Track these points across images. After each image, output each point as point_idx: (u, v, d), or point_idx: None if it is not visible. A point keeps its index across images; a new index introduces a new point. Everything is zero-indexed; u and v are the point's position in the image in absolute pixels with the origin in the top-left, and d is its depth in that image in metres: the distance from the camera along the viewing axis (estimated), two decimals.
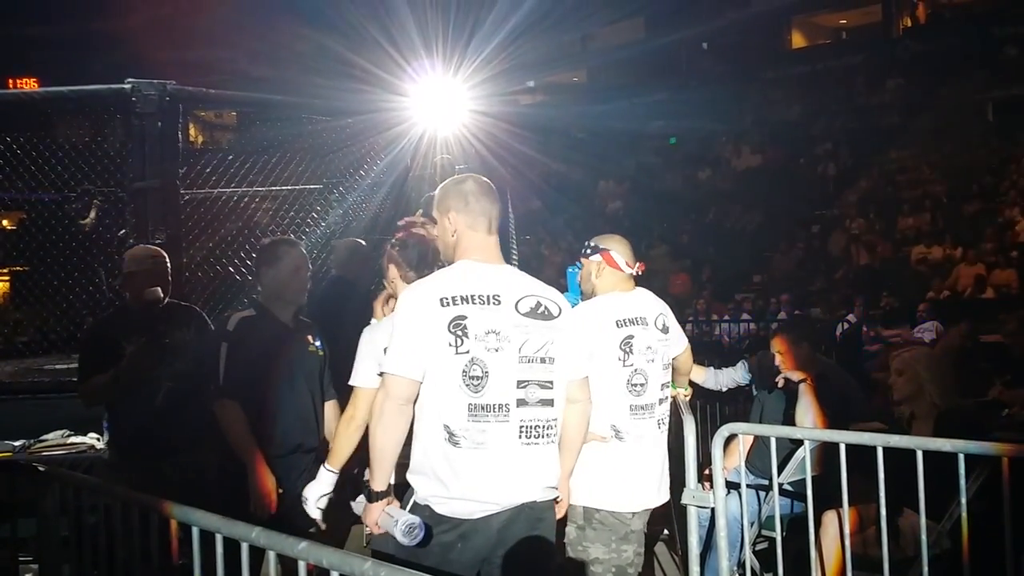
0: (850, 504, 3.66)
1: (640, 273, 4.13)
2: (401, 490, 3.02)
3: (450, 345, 2.87)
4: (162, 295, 4.46)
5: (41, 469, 3.36)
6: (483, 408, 2.87)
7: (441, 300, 2.90)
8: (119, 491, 3.01)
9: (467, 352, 2.87)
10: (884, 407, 6.31)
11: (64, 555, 3.28)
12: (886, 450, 3.48)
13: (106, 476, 4.60)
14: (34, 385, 5.83)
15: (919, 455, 3.39)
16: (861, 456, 3.58)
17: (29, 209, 6.45)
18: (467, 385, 2.86)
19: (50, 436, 4.99)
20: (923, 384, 4.50)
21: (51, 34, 22.25)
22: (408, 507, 2.94)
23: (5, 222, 9.32)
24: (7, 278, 9.34)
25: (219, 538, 2.46)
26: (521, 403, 2.93)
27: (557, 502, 3.16)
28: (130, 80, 5.45)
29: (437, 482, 2.88)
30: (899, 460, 3.49)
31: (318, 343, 4.16)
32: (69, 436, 4.99)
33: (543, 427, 2.99)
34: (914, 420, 4.47)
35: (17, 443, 4.91)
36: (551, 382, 3.01)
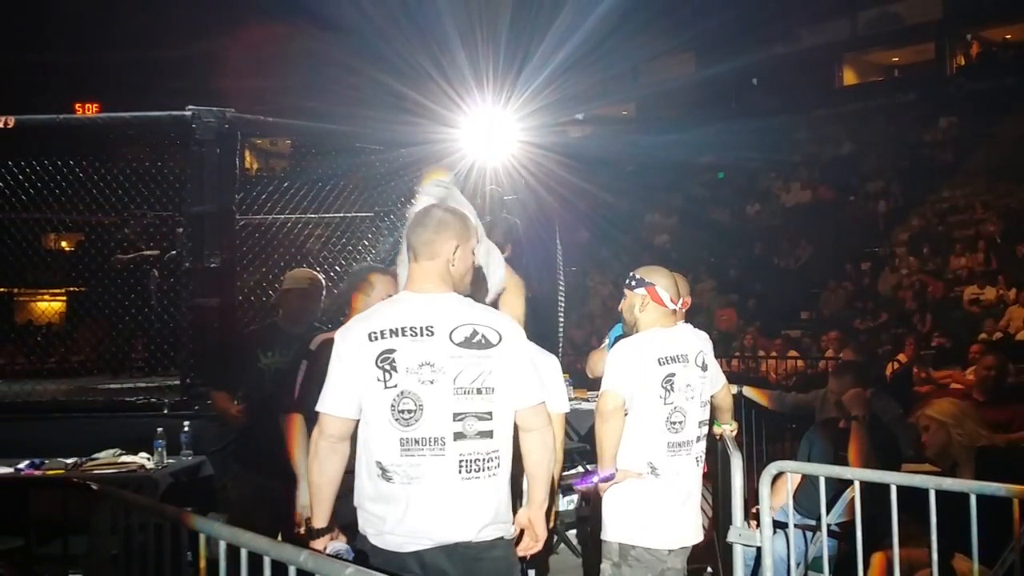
0: (899, 547, 3.60)
1: (684, 310, 4.13)
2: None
3: (378, 380, 2.83)
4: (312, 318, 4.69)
5: (94, 487, 3.42)
6: (416, 442, 2.82)
7: (369, 335, 2.87)
8: (169, 511, 3.05)
9: (395, 386, 2.83)
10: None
11: (113, 573, 3.33)
12: (938, 493, 3.43)
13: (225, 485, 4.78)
14: (87, 404, 5.94)
15: (972, 499, 3.33)
16: (910, 498, 3.52)
17: (89, 231, 6.59)
18: (397, 420, 2.82)
19: (101, 455, 5.06)
20: (949, 431, 4.45)
21: (115, 60, 22.80)
22: (357, 537, 2.95)
23: (64, 243, 9.55)
24: (63, 298, 9.55)
25: (267, 561, 2.49)
26: (459, 436, 2.85)
27: (509, 539, 3.04)
28: (191, 107, 5.57)
29: (371, 515, 2.87)
30: (950, 503, 3.43)
31: None
32: (120, 455, 5.06)
33: (483, 460, 2.90)
34: (957, 468, 4.39)
35: (69, 461, 4.99)
36: (490, 413, 2.91)
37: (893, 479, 3.58)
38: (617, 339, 4.69)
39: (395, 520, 2.83)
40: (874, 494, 3.71)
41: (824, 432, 4.99)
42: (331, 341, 4.05)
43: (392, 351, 2.85)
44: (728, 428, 4.65)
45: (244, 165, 6.52)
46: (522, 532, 3.12)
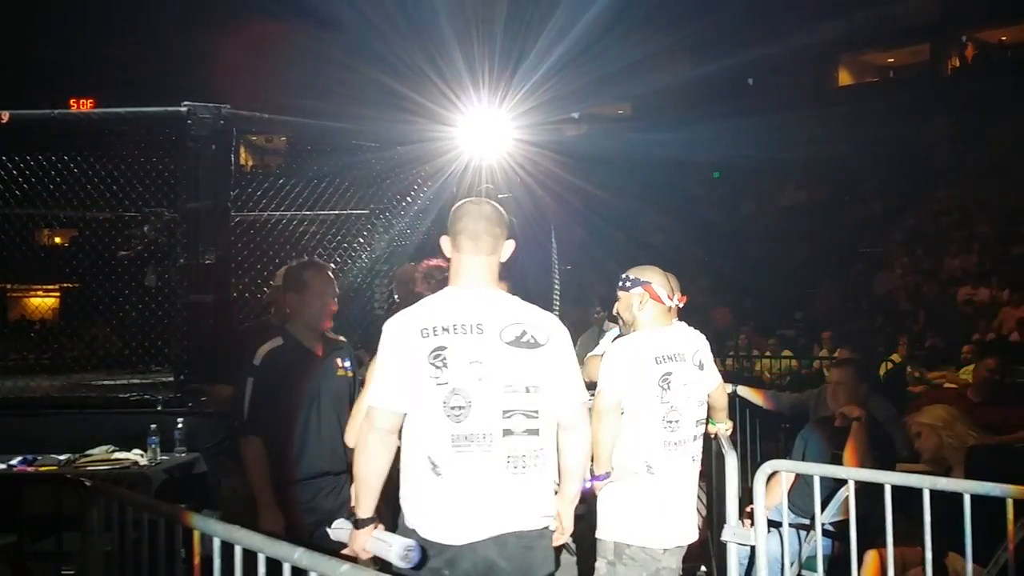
0: (893, 546, 3.60)
1: (681, 305, 4.13)
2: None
3: (431, 376, 2.86)
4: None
5: (87, 484, 3.41)
6: (466, 438, 2.85)
7: (422, 331, 2.89)
8: (164, 507, 3.04)
9: (447, 383, 2.86)
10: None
11: (107, 570, 3.32)
12: (931, 492, 3.43)
13: (219, 482, 4.79)
14: (81, 400, 5.93)
15: (966, 498, 3.34)
16: (904, 498, 3.53)
17: (83, 227, 6.57)
18: (448, 416, 2.85)
19: (95, 451, 5.05)
20: (940, 435, 4.48)
21: (110, 55, 22.75)
22: (399, 530, 2.95)
23: (58, 239, 9.52)
24: (57, 294, 9.52)
25: (262, 558, 2.48)
26: (507, 433, 2.89)
27: (553, 531, 3.10)
28: (186, 103, 5.55)
29: (423, 509, 2.88)
30: (944, 503, 3.43)
31: (347, 364, 4.19)
32: (114, 452, 5.05)
33: (531, 457, 2.94)
34: (950, 471, 4.41)
35: (62, 457, 4.97)
36: (536, 411, 2.96)
37: (888, 478, 3.59)
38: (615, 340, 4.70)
39: (446, 515, 2.85)
40: (868, 493, 3.72)
41: (819, 431, 5.00)
42: (275, 351, 4.03)
43: (444, 348, 2.88)
44: (723, 427, 4.65)
45: (239, 162, 6.52)
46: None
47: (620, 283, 4.05)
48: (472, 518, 2.86)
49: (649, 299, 3.95)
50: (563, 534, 3.21)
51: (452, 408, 2.85)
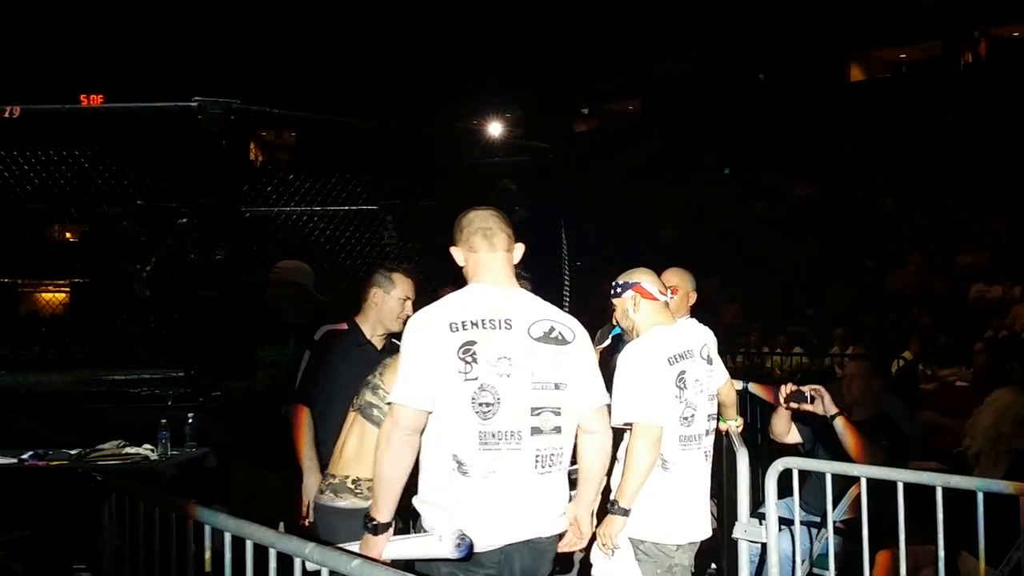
0: (905, 544, 3.58)
1: (674, 296, 4.11)
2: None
3: (459, 372, 2.80)
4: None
5: (99, 478, 3.41)
6: (493, 435, 2.80)
7: (451, 325, 2.83)
8: (175, 502, 3.04)
9: (476, 378, 2.80)
10: (940, 448, 6.21)
11: (118, 564, 3.32)
12: (944, 490, 3.41)
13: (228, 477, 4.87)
14: (91, 395, 5.94)
15: (979, 496, 3.31)
16: (915, 496, 3.51)
17: (93, 222, 6.59)
18: (477, 412, 2.79)
19: (105, 446, 5.05)
20: (999, 426, 4.39)
21: (120, 51, 22.80)
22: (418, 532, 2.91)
23: (68, 234, 9.54)
24: (67, 289, 9.55)
25: (272, 552, 2.48)
26: (536, 431, 2.86)
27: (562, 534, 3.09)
28: (196, 98, 5.55)
29: (445, 511, 2.82)
30: (956, 501, 3.41)
31: None
32: (124, 446, 5.05)
33: (556, 456, 2.93)
34: (981, 459, 4.36)
35: (73, 452, 4.98)
36: (561, 409, 2.94)
37: (900, 476, 3.57)
38: (614, 338, 4.68)
39: (472, 518, 2.79)
40: (879, 491, 3.70)
41: (830, 428, 4.96)
42: (335, 333, 4.10)
43: (473, 342, 2.82)
44: (733, 424, 4.64)
45: (249, 157, 6.51)
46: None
47: (611, 292, 4.03)
48: (499, 522, 2.81)
49: (641, 299, 3.92)
50: (582, 539, 3.19)
51: (480, 405, 2.80)
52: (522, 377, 2.85)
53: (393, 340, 4.23)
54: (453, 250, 3.11)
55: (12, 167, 6.11)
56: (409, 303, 4.13)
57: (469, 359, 2.81)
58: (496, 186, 7.12)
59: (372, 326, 4.14)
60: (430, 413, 2.83)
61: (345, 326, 4.15)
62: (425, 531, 2.88)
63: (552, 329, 2.96)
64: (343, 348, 4.08)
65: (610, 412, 3.29)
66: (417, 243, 7.07)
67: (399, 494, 2.86)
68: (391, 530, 2.86)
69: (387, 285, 4.12)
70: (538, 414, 2.87)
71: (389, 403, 2.87)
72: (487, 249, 3.03)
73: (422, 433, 2.85)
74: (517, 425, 2.83)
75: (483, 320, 2.87)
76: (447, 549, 2.70)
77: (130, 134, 6.40)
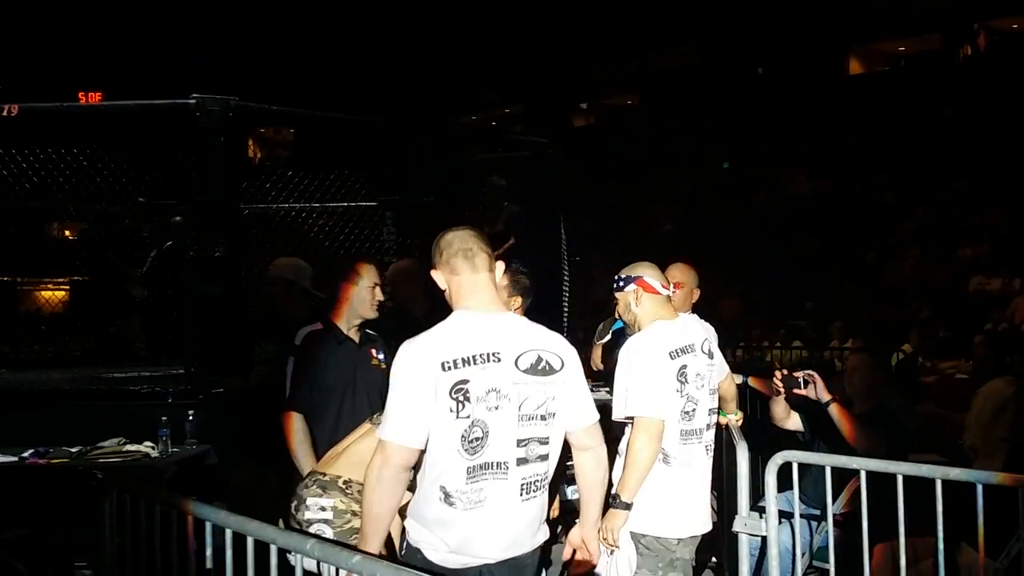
0: (904, 537, 3.59)
1: (676, 291, 4.12)
2: None
3: (451, 411, 2.77)
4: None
5: (99, 475, 3.42)
6: (481, 467, 2.81)
7: (443, 364, 2.78)
8: (175, 499, 3.05)
9: (467, 416, 2.79)
10: (939, 441, 6.22)
11: (119, 561, 3.32)
12: (943, 483, 3.42)
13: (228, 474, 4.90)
14: (91, 393, 5.94)
15: (979, 489, 3.32)
16: (915, 488, 3.51)
17: (93, 220, 6.59)
18: (465, 449, 2.78)
19: (106, 443, 5.06)
20: (996, 417, 4.40)
21: (118, 48, 22.77)
22: (402, 547, 2.91)
23: (67, 232, 9.54)
24: (66, 287, 9.55)
25: (274, 549, 2.48)
26: (522, 462, 2.86)
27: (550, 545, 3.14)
28: (195, 95, 5.55)
29: (430, 534, 2.83)
30: (956, 494, 3.42)
31: (381, 356, 4.28)
32: (125, 444, 5.05)
33: (540, 480, 2.94)
34: (978, 451, 4.37)
35: (74, 449, 4.99)
36: (548, 438, 2.93)
37: (900, 468, 3.57)
38: (615, 332, 4.68)
39: (456, 543, 2.80)
40: (879, 484, 3.70)
41: (830, 421, 4.97)
42: (314, 334, 4.14)
43: (466, 381, 2.79)
44: (733, 418, 4.65)
45: (248, 154, 6.51)
46: (574, 551, 3.21)
47: (614, 286, 4.03)
48: (480, 547, 2.82)
49: (644, 293, 3.92)
50: (593, 560, 3.20)
51: (470, 441, 2.78)
52: (510, 410, 2.84)
53: (367, 331, 4.30)
54: (434, 274, 3.06)
55: (11, 165, 6.11)
56: (378, 288, 4.23)
57: (461, 398, 2.78)
58: (488, 182, 7.13)
59: (347, 320, 4.23)
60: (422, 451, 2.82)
61: (320, 326, 4.21)
62: (406, 540, 2.89)
63: (540, 360, 2.92)
64: (327, 348, 4.14)
65: (606, 412, 3.30)
66: (416, 239, 7.07)
67: (387, 528, 2.86)
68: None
69: (354, 278, 4.19)
70: (524, 445, 2.86)
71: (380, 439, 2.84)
72: (469, 271, 2.98)
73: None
74: (504, 456, 2.83)
75: (474, 356, 2.82)
76: None
77: (129, 131, 6.39)
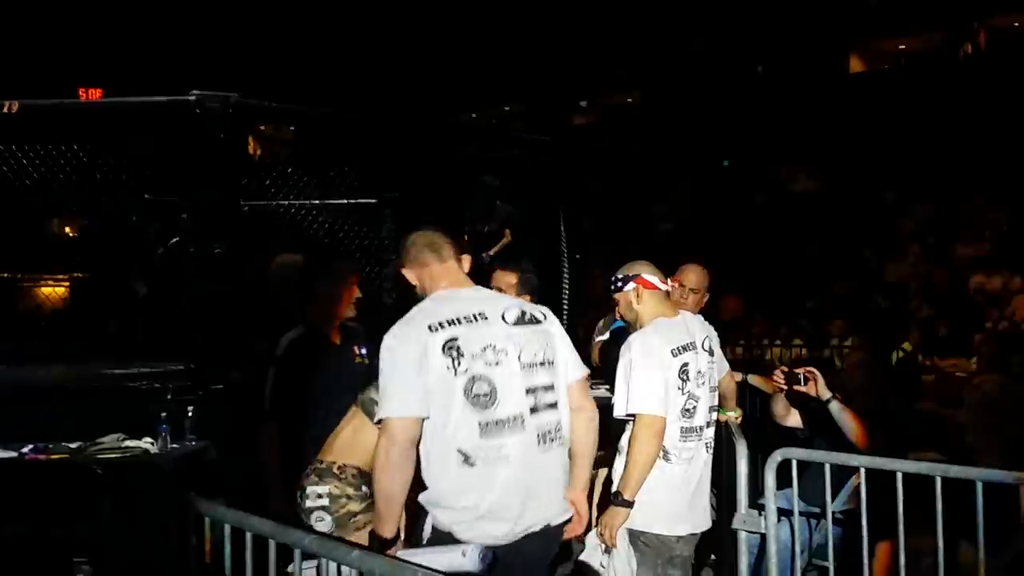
0: (904, 535, 3.59)
1: (675, 287, 4.13)
2: None
3: (448, 368, 2.82)
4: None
5: (99, 471, 3.42)
6: (496, 423, 2.83)
7: (428, 327, 2.86)
8: (174, 495, 3.05)
9: (466, 371, 2.83)
10: (939, 439, 6.22)
11: (119, 557, 3.33)
12: (943, 481, 3.41)
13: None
14: (91, 389, 5.93)
15: (979, 486, 3.32)
16: (914, 486, 3.51)
17: (97, 216, 6.58)
18: (473, 403, 2.81)
19: (105, 439, 5.05)
20: (992, 414, 4.40)
21: (117, 44, 22.76)
22: (426, 536, 2.90)
23: (68, 229, 9.53)
24: (66, 283, 9.55)
25: (272, 544, 2.48)
26: (534, 411, 2.92)
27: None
28: (194, 92, 5.55)
29: (456, 512, 2.83)
30: (956, 491, 3.42)
31: (363, 351, 4.27)
32: (124, 440, 5.05)
33: (555, 431, 2.98)
34: (976, 448, 4.37)
35: (74, 445, 4.98)
36: (553, 385, 3.01)
37: (900, 466, 3.57)
38: (615, 330, 4.69)
39: (486, 505, 2.81)
40: (879, 482, 3.70)
41: (830, 418, 4.97)
42: (296, 342, 4.17)
43: (455, 338, 2.85)
44: (732, 415, 4.65)
45: (248, 150, 6.53)
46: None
47: (612, 286, 4.04)
48: (508, 501, 2.82)
49: (644, 290, 3.93)
50: (581, 523, 3.21)
51: (476, 396, 2.82)
52: (510, 362, 2.90)
53: (348, 327, 4.33)
54: (404, 271, 3.16)
55: (11, 161, 6.10)
56: (352, 287, 4.37)
57: (455, 354, 2.83)
58: (481, 182, 7.13)
59: (327, 322, 4.24)
60: (425, 420, 2.81)
61: (302, 330, 4.23)
62: (432, 527, 2.88)
63: (524, 312, 3.04)
64: (310, 354, 4.16)
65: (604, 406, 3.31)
66: None
67: (402, 508, 2.88)
68: (399, 543, 2.90)
69: (329, 279, 4.23)
70: (532, 393, 2.93)
71: (379, 421, 2.85)
72: (437, 261, 3.08)
73: (418, 444, 2.85)
74: (517, 408, 2.88)
75: (459, 318, 2.90)
76: (471, 563, 2.68)
77: (129, 128, 6.39)
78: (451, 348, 2.83)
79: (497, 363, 2.87)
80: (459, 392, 2.81)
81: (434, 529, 2.89)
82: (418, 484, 2.90)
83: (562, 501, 3.01)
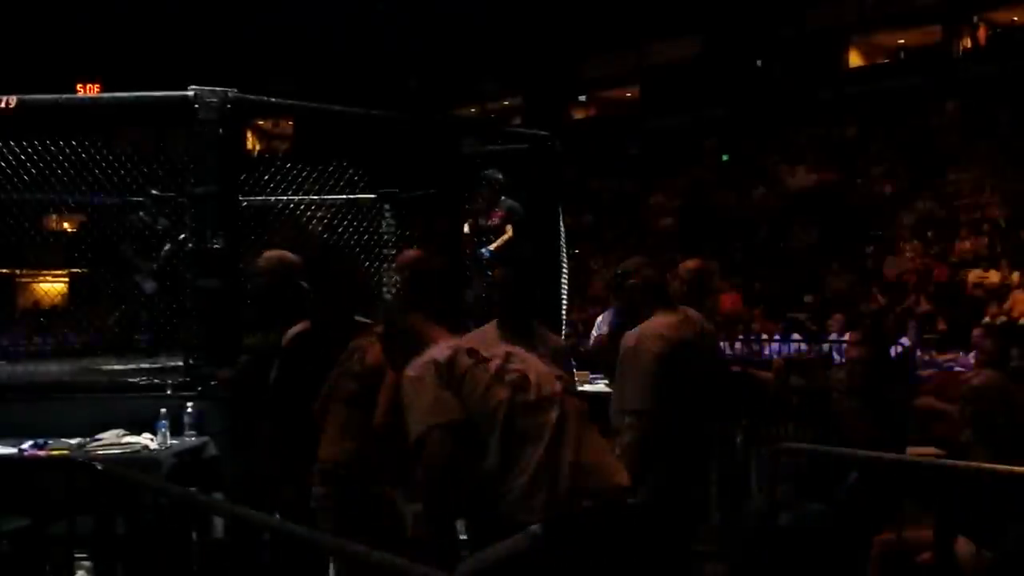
0: (902, 529, 3.60)
1: (675, 282, 4.14)
2: None
3: (474, 364, 2.89)
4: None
5: (99, 467, 3.42)
6: (536, 403, 2.83)
7: (446, 346, 2.98)
8: (174, 490, 3.05)
9: (489, 358, 2.92)
10: (937, 433, 6.23)
11: (119, 552, 3.33)
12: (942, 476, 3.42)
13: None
14: (90, 385, 5.94)
15: (977, 482, 3.33)
16: (913, 481, 3.52)
17: (91, 212, 6.58)
18: (511, 386, 2.84)
19: (106, 435, 5.05)
20: (989, 412, 4.39)
21: (117, 39, 22.74)
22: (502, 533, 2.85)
23: (66, 225, 9.54)
24: (66, 279, 9.56)
25: (272, 538, 2.49)
26: (567, 391, 2.97)
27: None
28: (193, 87, 5.54)
29: (517, 492, 2.72)
30: (954, 486, 3.43)
31: None
32: (124, 436, 5.05)
33: (586, 414, 2.98)
34: (974, 446, 4.37)
35: (73, 441, 4.99)
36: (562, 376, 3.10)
37: (898, 460, 3.58)
38: (615, 325, 4.70)
39: (547, 478, 2.72)
40: (877, 475, 3.71)
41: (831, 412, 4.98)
42: (302, 335, 4.15)
43: (475, 349, 2.97)
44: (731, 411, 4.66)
45: (247, 146, 6.52)
46: None
47: (615, 284, 4.05)
48: (568, 471, 2.74)
49: (644, 287, 3.94)
50: None
51: (511, 378, 2.86)
52: (531, 357, 3.02)
53: (357, 320, 4.31)
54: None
55: (9, 157, 6.10)
56: (359, 283, 4.29)
57: (475, 357, 2.90)
58: (483, 177, 7.11)
59: (333, 316, 4.24)
60: (464, 422, 2.79)
61: (308, 324, 4.23)
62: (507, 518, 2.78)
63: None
64: (315, 348, 4.13)
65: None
66: (415, 231, 7.07)
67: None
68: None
69: (334, 273, 4.24)
70: (560, 378, 2.99)
71: (416, 440, 2.80)
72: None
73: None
74: (552, 388, 2.90)
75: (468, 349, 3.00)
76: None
77: (128, 123, 6.39)
78: (471, 354, 2.96)
79: (523, 360, 3.00)
80: (490, 379, 2.89)
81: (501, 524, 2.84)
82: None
83: (622, 474, 2.98)
